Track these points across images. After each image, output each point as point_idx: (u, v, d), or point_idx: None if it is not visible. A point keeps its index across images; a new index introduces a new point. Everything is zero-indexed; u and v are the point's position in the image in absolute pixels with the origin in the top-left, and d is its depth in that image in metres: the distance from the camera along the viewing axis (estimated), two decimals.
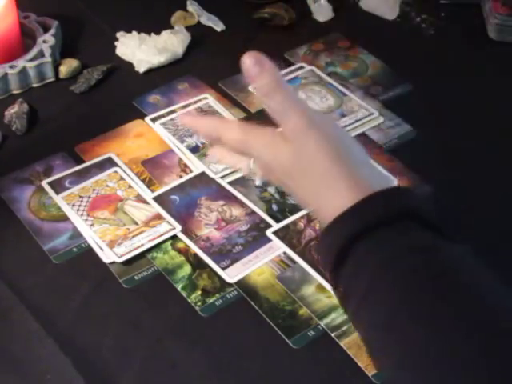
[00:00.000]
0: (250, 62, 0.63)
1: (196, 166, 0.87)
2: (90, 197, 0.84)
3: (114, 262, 0.77)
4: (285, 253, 0.78)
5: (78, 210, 0.82)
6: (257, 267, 0.77)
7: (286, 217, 0.82)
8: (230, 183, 0.85)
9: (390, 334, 0.53)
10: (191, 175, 0.86)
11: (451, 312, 0.51)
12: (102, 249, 0.78)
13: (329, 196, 0.59)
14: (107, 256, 0.78)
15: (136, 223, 0.81)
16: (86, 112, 0.96)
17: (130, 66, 1.02)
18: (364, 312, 0.55)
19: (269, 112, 0.64)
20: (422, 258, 0.54)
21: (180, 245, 0.80)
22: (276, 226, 0.81)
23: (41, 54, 0.99)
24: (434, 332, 0.51)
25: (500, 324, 0.50)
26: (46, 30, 1.02)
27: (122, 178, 0.86)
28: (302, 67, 1.01)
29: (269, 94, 0.63)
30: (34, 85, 0.99)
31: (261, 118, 0.96)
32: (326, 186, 0.60)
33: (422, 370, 0.50)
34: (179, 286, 0.76)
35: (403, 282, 0.53)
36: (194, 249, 0.79)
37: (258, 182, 0.72)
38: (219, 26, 1.09)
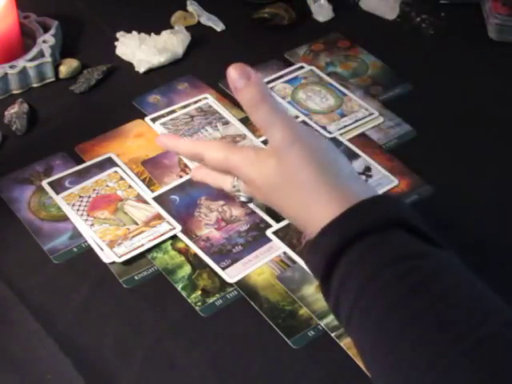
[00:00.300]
0: (235, 74, 0.63)
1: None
2: (90, 197, 0.84)
3: (114, 262, 0.77)
4: (285, 253, 0.78)
5: (78, 209, 0.82)
6: (257, 267, 0.77)
7: None
8: None
9: (380, 341, 0.53)
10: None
11: (438, 317, 0.51)
12: (102, 249, 0.78)
13: (315, 208, 0.60)
14: (107, 256, 0.78)
15: (136, 223, 0.81)
16: (85, 112, 0.96)
17: (130, 65, 1.02)
18: (354, 320, 0.56)
19: (254, 124, 0.64)
20: (409, 265, 0.54)
21: (180, 245, 0.80)
22: (276, 225, 0.81)
23: (41, 54, 0.99)
24: (423, 337, 0.51)
25: (487, 327, 0.50)
26: (46, 30, 1.02)
27: (122, 178, 0.86)
28: (301, 67, 1.01)
29: (254, 107, 0.63)
30: (34, 85, 0.99)
31: None
32: (312, 199, 0.60)
33: (413, 375, 0.51)
34: (179, 286, 0.76)
35: (391, 290, 0.54)
36: (194, 249, 0.79)
37: (242, 199, 0.73)
38: (219, 26, 1.09)
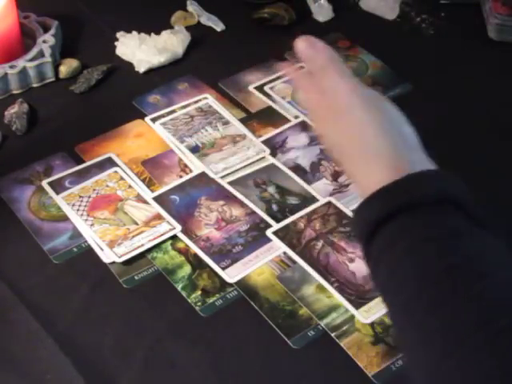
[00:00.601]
0: (302, 45, 0.69)
1: (196, 166, 0.87)
2: (90, 197, 0.84)
3: (114, 262, 0.77)
4: (285, 253, 0.78)
5: (78, 209, 0.82)
6: (257, 267, 0.77)
7: (285, 217, 0.82)
8: (230, 183, 0.85)
9: (407, 322, 0.53)
10: (191, 175, 0.86)
11: (466, 301, 0.51)
12: (102, 249, 0.78)
13: (370, 169, 0.60)
14: (107, 256, 0.78)
15: (136, 223, 0.81)
16: (86, 112, 0.96)
17: (130, 66, 1.02)
18: (388, 290, 0.56)
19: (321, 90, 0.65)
20: (450, 244, 0.54)
21: (180, 245, 0.80)
22: (276, 225, 0.81)
23: (41, 54, 0.99)
24: (444, 321, 0.51)
25: (509, 318, 0.50)
26: (46, 30, 1.02)
27: (122, 178, 0.86)
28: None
29: (321, 71, 0.65)
30: (34, 85, 0.99)
31: (261, 117, 0.96)
32: (369, 160, 0.61)
33: (432, 360, 0.51)
34: (179, 286, 0.76)
35: (427, 267, 0.53)
36: (194, 249, 0.79)
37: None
38: (219, 26, 1.09)
